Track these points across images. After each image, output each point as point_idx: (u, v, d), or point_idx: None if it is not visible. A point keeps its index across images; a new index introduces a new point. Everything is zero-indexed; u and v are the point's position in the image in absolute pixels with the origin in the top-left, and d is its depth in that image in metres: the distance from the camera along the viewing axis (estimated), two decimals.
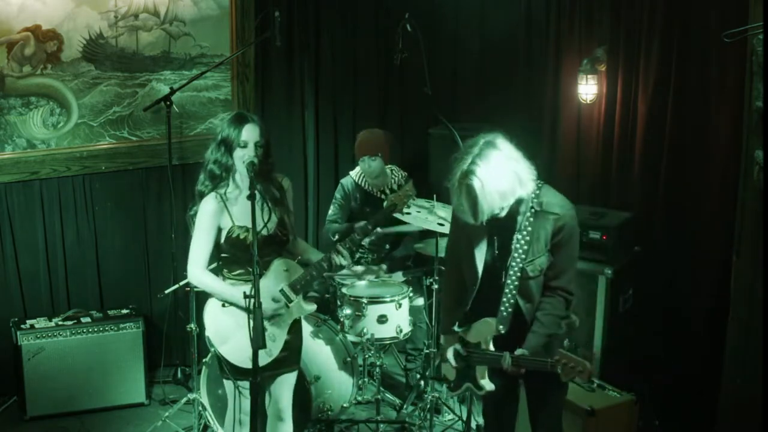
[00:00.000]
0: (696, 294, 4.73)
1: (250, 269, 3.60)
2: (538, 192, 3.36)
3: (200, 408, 4.69)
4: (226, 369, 3.69)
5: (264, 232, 3.58)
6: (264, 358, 3.61)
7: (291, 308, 3.71)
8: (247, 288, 3.60)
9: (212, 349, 3.72)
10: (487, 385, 3.48)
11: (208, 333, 3.70)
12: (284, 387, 3.84)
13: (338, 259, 3.70)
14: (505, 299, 3.39)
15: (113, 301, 5.41)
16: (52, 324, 5.02)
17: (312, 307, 3.81)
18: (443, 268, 3.72)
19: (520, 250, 3.36)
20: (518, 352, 3.34)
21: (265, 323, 3.63)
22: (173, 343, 5.52)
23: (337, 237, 5.17)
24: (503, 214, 3.30)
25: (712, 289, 4.60)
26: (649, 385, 4.69)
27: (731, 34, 3.87)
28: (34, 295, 5.29)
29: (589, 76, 5.08)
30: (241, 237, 3.59)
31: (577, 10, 5.27)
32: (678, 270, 4.80)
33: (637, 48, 4.91)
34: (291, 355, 3.79)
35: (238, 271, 3.69)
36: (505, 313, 3.40)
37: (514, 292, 3.38)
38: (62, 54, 5.12)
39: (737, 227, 4.19)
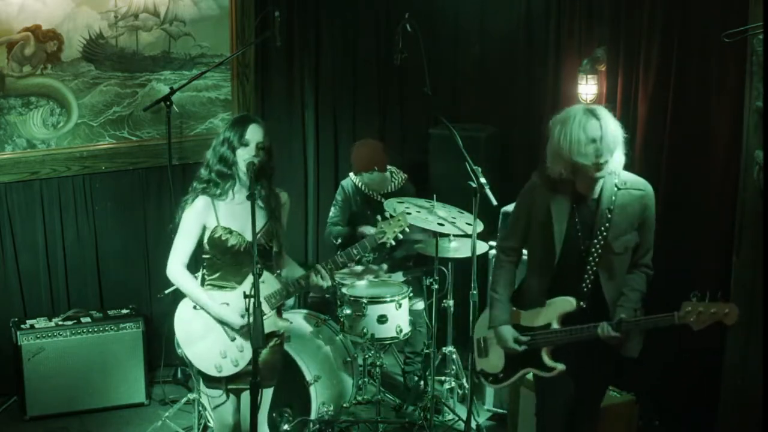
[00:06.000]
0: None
1: (229, 276, 3.62)
2: (618, 172, 3.45)
3: (200, 408, 4.69)
4: (192, 373, 3.65)
5: (250, 238, 3.49)
6: (229, 368, 3.59)
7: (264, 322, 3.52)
8: (221, 295, 3.61)
9: (179, 351, 3.69)
10: (559, 364, 3.52)
11: (176, 334, 3.69)
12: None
13: (316, 280, 3.61)
14: (586, 275, 3.45)
15: (113, 301, 5.41)
16: (52, 324, 5.02)
17: (285, 324, 3.72)
18: (502, 256, 3.70)
19: (606, 225, 3.41)
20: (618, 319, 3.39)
21: (235, 333, 3.61)
22: (173, 343, 5.49)
23: (339, 241, 5.17)
24: (606, 171, 3.36)
25: (712, 289, 4.59)
26: (649, 385, 4.68)
27: (731, 34, 3.87)
28: (34, 295, 5.29)
29: (589, 76, 5.08)
30: (223, 238, 3.57)
31: (577, 10, 5.27)
32: (678, 270, 4.79)
33: (637, 48, 4.90)
34: (264, 372, 3.58)
35: (215, 276, 3.65)
36: (585, 289, 3.47)
37: (595, 268, 3.44)
38: (62, 54, 5.12)
39: (737, 227, 4.19)
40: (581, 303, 3.48)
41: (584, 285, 3.48)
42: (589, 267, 3.46)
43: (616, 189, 3.44)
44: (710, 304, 3.27)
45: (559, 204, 3.48)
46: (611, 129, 3.33)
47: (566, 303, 3.51)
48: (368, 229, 4.90)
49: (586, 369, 3.58)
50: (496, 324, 3.65)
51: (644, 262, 3.54)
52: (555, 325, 3.52)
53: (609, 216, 3.42)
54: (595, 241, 3.43)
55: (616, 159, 3.40)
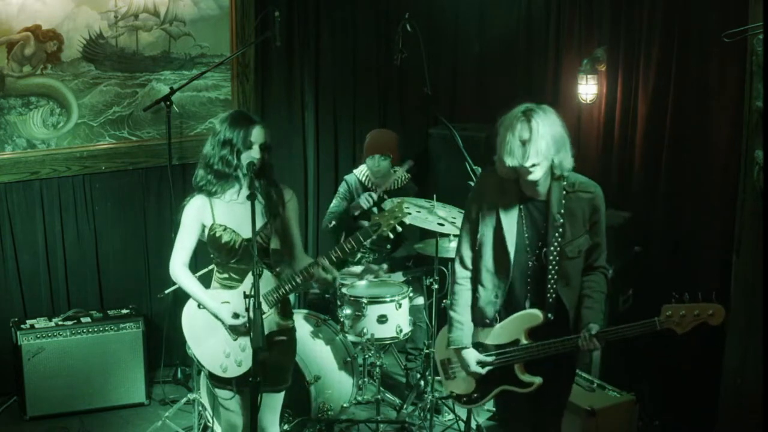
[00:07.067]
0: (696, 294, 4.72)
1: (232, 275, 3.60)
2: (567, 175, 3.37)
3: (200, 408, 4.69)
4: (204, 373, 3.64)
5: (245, 235, 3.51)
6: (233, 368, 3.56)
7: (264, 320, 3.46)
8: (227, 294, 3.58)
9: (189, 352, 3.67)
10: (536, 378, 3.41)
11: (185, 334, 3.67)
12: (264, 409, 3.53)
13: (318, 272, 3.50)
14: (549, 285, 3.34)
15: (113, 301, 5.42)
16: (52, 324, 5.02)
17: (288, 322, 3.66)
18: (459, 269, 3.55)
19: (559, 230, 3.32)
20: (591, 327, 3.28)
21: (236, 333, 3.58)
22: (173, 343, 5.50)
23: (333, 223, 5.17)
24: (539, 175, 3.26)
25: (713, 289, 4.59)
26: (649, 385, 4.69)
27: (731, 34, 3.87)
28: (34, 295, 5.29)
29: (589, 76, 5.09)
30: (217, 235, 3.55)
31: (577, 10, 5.27)
32: (678, 270, 4.80)
33: (637, 48, 4.91)
34: (271, 373, 3.54)
35: (223, 275, 3.63)
36: (551, 300, 3.35)
37: (556, 276, 3.34)
38: (62, 54, 5.12)
39: (737, 227, 4.19)
40: (549, 315, 3.36)
41: (549, 295, 3.35)
42: (550, 276, 3.34)
43: (564, 192, 3.35)
44: (693, 306, 3.18)
45: (507, 204, 3.38)
46: (545, 132, 3.22)
47: (532, 316, 3.38)
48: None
49: (545, 380, 3.45)
50: (458, 347, 3.51)
51: (600, 263, 3.45)
52: (524, 341, 3.40)
53: (561, 221, 3.33)
54: (552, 248, 3.33)
55: (564, 163, 3.30)
